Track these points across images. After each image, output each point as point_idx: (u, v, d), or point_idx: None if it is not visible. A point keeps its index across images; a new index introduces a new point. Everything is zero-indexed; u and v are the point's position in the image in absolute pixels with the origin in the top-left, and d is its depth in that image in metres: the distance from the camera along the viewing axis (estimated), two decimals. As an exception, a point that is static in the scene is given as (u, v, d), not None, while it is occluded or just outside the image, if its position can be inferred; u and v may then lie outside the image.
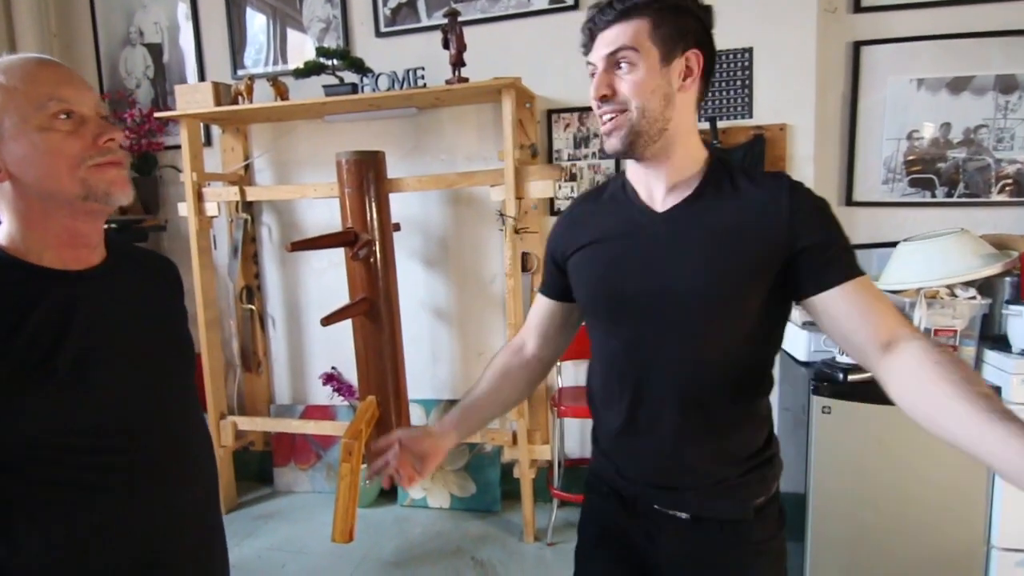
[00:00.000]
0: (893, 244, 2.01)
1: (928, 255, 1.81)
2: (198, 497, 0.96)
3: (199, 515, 0.96)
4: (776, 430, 1.03)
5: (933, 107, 2.23)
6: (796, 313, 2.08)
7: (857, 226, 2.34)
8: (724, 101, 2.29)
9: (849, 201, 2.33)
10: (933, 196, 2.26)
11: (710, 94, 2.28)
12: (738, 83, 2.26)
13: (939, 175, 2.25)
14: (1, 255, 0.81)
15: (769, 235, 0.89)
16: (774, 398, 2.29)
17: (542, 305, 1.15)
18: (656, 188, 0.97)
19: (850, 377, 1.78)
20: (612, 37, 0.90)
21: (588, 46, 0.95)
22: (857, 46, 2.26)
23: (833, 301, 0.89)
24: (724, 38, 2.24)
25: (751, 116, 2.27)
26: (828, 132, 2.33)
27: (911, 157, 2.27)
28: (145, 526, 0.87)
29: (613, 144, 0.93)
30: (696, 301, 0.91)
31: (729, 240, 0.91)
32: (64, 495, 0.81)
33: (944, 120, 2.22)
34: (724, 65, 2.26)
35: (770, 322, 0.96)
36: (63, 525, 0.81)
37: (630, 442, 1.01)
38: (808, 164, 2.25)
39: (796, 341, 2.04)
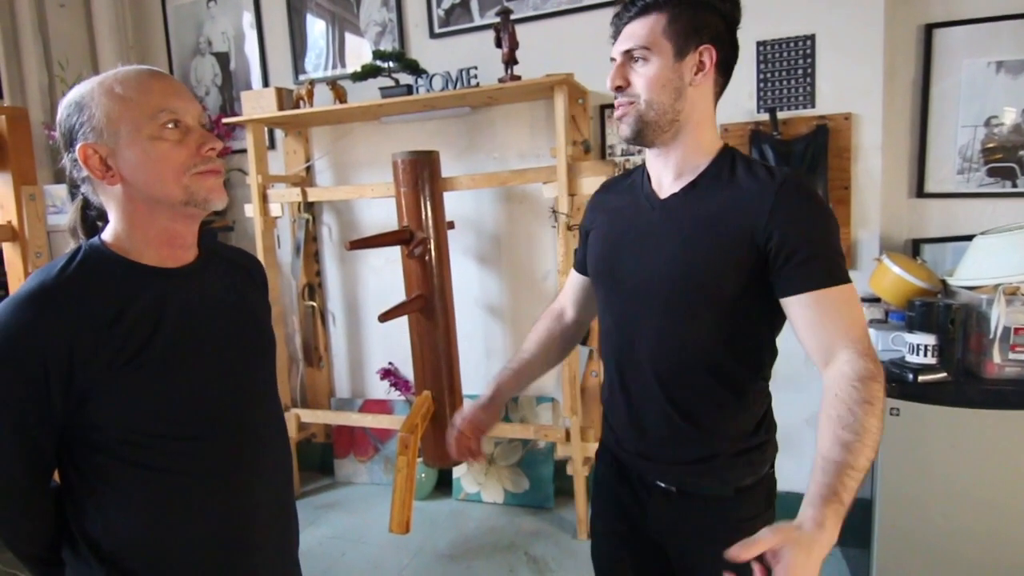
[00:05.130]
0: (969, 238, 1.90)
1: (1007, 249, 1.70)
2: (275, 482, 1.01)
3: (276, 500, 1.01)
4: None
5: (1014, 91, 2.09)
6: (864, 310, 2.00)
7: (929, 218, 2.22)
8: (784, 91, 2.21)
9: (921, 192, 2.22)
10: (1014, 186, 2.12)
11: (768, 84, 2.22)
12: (799, 71, 2.18)
13: (1021, 164, 2.11)
14: (106, 252, 0.87)
15: (747, 227, 0.92)
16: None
17: (574, 277, 1.25)
18: (665, 176, 1.03)
19: (920, 378, 1.70)
20: (631, 33, 0.96)
21: (615, 39, 1.01)
22: (929, 28, 2.14)
23: (792, 307, 0.92)
24: (784, 25, 2.17)
25: (813, 106, 2.19)
26: (897, 120, 2.22)
27: (990, 145, 2.14)
28: (227, 509, 0.92)
29: (623, 131, 0.99)
30: (673, 284, 0.97)
31: (709, 228, 0.95)
32: (153, 477, 0.86)
33: (1027, 105, 2.08)
34: (784, 53, 2.19)
35: (757, 313, 0.97)
36: (151, 505, 0.87)
37: (624, 412, 1.07)
38: (876, 154, 2.15)
39: (862, 339, 1.96)
